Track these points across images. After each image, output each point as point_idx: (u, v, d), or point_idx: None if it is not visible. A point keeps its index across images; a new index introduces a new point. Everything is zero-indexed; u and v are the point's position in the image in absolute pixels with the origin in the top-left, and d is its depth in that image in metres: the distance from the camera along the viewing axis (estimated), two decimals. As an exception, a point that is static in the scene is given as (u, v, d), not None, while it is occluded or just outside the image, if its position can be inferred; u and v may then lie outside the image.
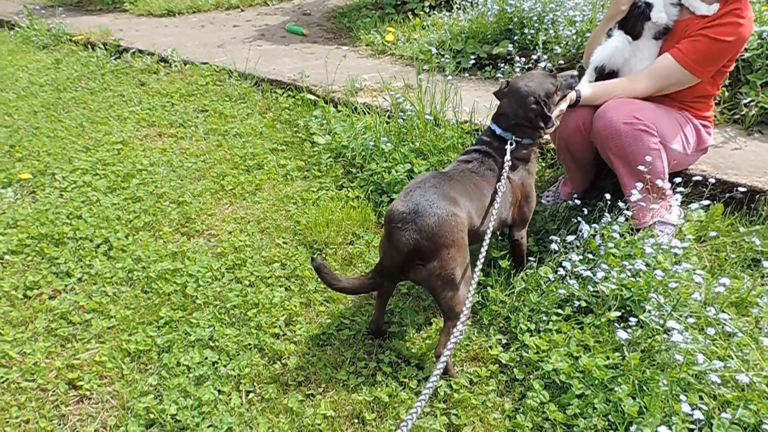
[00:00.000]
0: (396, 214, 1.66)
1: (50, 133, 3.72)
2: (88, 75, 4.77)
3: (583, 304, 1.97)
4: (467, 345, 1.96)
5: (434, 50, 3.57)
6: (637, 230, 2.26)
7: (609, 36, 2.35)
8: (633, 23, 2.28)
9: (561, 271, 2.01)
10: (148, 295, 2.24)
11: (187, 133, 3.62)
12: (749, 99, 2.93)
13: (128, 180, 3.08)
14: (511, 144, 1.95)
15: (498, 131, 2.00)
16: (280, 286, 2.26)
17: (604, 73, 2.34)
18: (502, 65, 3.82)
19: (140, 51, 5.15)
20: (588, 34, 3.58)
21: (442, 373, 1.75)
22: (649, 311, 1.88)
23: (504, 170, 1.89)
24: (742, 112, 2.93)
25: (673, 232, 2.32)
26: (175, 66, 4.71)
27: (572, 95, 2.16)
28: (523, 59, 3.59)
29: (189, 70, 4.59)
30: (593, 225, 2.14)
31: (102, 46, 5.42)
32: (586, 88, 2.23)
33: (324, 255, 2.44)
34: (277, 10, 6.38)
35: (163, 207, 2.83)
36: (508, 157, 1.92)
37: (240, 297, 2.17)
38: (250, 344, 1.97)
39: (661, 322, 1.83)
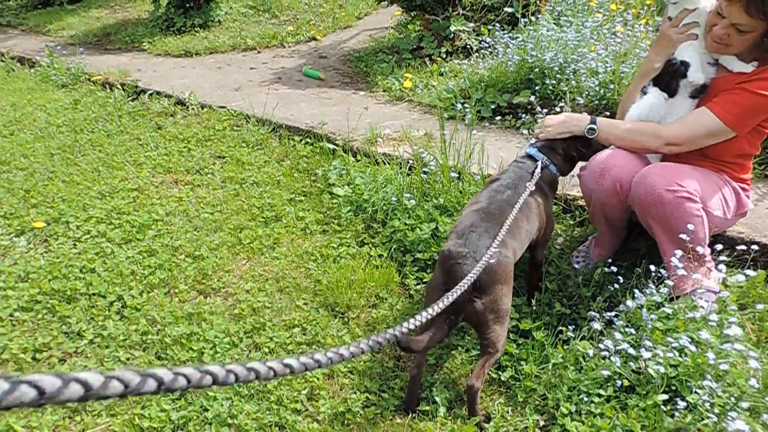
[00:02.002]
0: (455, 253, 1.80)
1: (66, 178, 3.68)
2: (105, 117, 4.78)
3: (626, 383, 1.85)
4: (501, 425, 1.83)
5: (458, 104, 3.51)
6: (676, 297, 2.15)
7: (644, 93, 2.29)
8: (668, 81, 2.23)
9: (602, 348, 1.90)
10: (162, 362, 2.13)
11: (203, 181, 3.57)
12: (783, 156, 2.85)
13: (143, 231, 3.01)
14: (543, 164, 2.19)
15: (532, 152, 2.25)
16: (301, 353, 2.15)
17: None
18: (523, 115, 3.77)
19: (158, 93, 5.16)
20: (611, 86, 3.54)
21: (470, 407, 1.83)
22: (697, 392, 1.76)
23: (530, 184, 2.07)
24: (777, 170, 2.85)
25: (714, 299, 2.21)
26: (192, 109, 4.71)
27: (583, 119, 2.23)
28: (546, 109, 3.53)
29: (206, 114, 4.58)
30: (635, 294, 2.03)
31: (120, 86, 5.45)
32: (607, 120, 2.26)
33: (346, 319, 2.33)
34: (293, 52, 6.43)
35: (179, 261, 2.75)
36: (538, 171, 2.14)
37: (259, 366, 2.06)
38: (270, 422, 1.86)
39: (712, 405, 1.71)
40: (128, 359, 2.16)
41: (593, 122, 2.22)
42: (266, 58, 6.30)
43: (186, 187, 3.51)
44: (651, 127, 2.19)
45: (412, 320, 1.17)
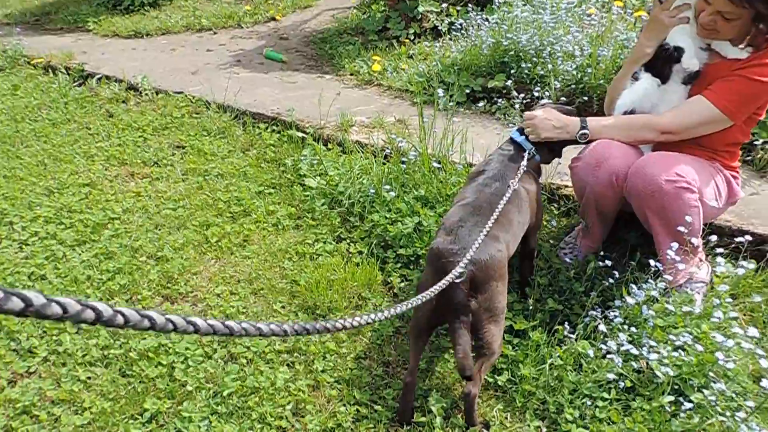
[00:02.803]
0: (445, 250, 1.70)
1: (7, 173, 3.35)
2: (49, 104, 4.39)
3: (628, 384, 1.77)
4: (501, 434, 1.73)
5: (440, 90, 3.35)
6: (670, 289, 2.10)
7: (635, 79, 2.21)
8: (660, 66, 2.14)
9: (604, 348, 1.82)
10: (128, 379, 1.93)
11: (163, 174, 3.31)
12: (762, 140, 2.83)
13: (98, 231, 2.75)
14: (530, 155, 2.09)
15: (519, 139, 2.14)
16: (283, 363, 2.00)
17: None
18: (499, 99, 3.66)
19: (107, 77, 4.79)
20: (589, 70, 3.46)
21: (467, 416, 1.72)
22: (702, 392, 1.70)
23: (516, 178, 1.96)
24: (757, 155, 2.83)
25: (705, 290, 2.17)
26: (146, 95, 4.38)
27: (573, 125, 2.10)
28: (522, 94, 3.43)
29: (161, 100, 4.27)
30: (631, 289, 1.95)
31: (64, 70, 5.04)
32: (597, 119, 2.14)
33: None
34: (251, 33, 6.10)
35: (140, 264, 2.52)
36: (524, 163, 2.03)
37: (237, 381, 1.89)
38: (253, 443, 1.70)
39: (717, 405, 1.66)
40: (89, 378, 1.94)
41: (584, 126, 2.10)
42: (223, 39, 5.96)
43: (144, 181, 3.25)
44: (644, 119, 2.10)
45: (366, 316, 1.13)
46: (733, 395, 1.70)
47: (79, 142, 3.73)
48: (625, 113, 2.17)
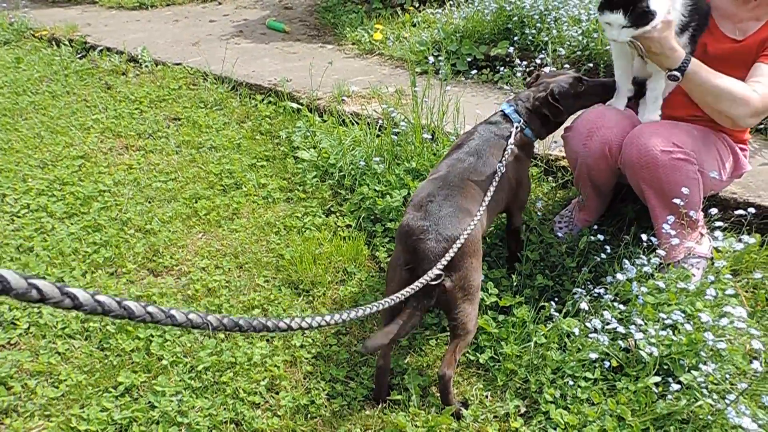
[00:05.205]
0: (415, 227, 1.61)
1: (4, 146, 3.34)
2: (50, 76, 4.37)
3: (615, 363, 1.70)
4: (479, 412, 1.68)
5: (430, 58, 3.23)
6: (667, 265, 2.00)
7: None
8: None
9: (590, 326, 1.73)
10: (104, 353, 1.91)
11: (156, 146, 3.27)
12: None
13: (88, 204, 2.73)
14: (518, 127, 1.93)
15: (508, 110, 1.98)
16: (262, 338, 1.96)
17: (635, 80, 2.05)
18: (501, 68, 3.52)
19: (108, 49, 4.75)
20: (595, 35, 3.29)
21: (443, 396, 1.66)
22: (692, 372, 1.62)
23: (506, 153, 1.85)
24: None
25: (705, 265, 2.06)
26: (146, 66, 4.33)
27: (679, 55, 1.71)
28: (525, 62, 3.29)
29: (160, 72, 4.22)
30: (624, 265, 1.86)
31: (67, 42, 5.00)
32: (701, 65, 1.75)
33: (311, 297, 2.13)
34: (256, 3, 5.99)
35: (127, 237, 2.49)
36: (512, 140, 1.89)
37: (214, 355, 1.86)
38: (225, 419, 1.67)
39: (707, 386, 1.57)
40: (67, 351, 1.93)
41: (684, 66, 1.71)
42: (228, 9, 5.86)
43: (137, 153, 3.21)
44: (743, 91, 1.77)
45: (329, 317, 1.07)
46: (727, 376, 1.62)
47: (76, 114, 3.70)
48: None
